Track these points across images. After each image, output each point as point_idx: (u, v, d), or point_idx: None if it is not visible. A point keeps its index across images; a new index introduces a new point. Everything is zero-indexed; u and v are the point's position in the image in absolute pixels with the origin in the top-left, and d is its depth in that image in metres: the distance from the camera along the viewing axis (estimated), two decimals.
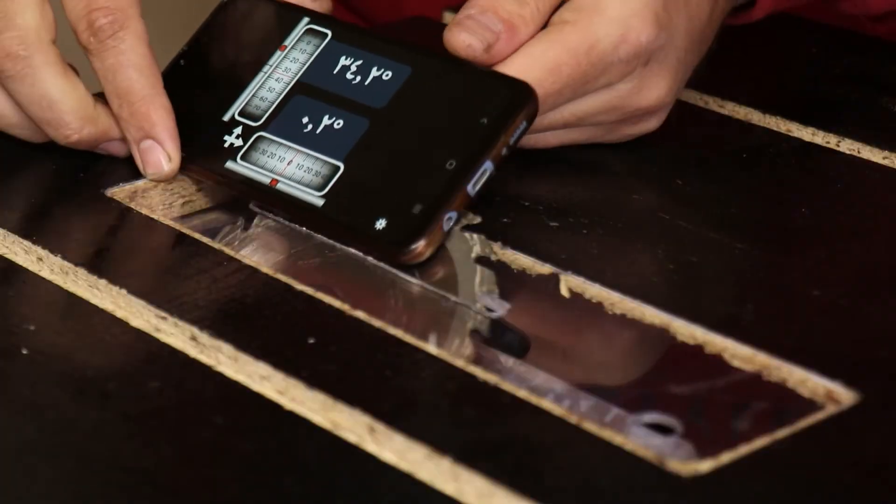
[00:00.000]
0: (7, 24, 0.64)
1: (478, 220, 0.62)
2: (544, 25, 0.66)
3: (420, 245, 0.57)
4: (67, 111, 0.65)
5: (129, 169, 0.69)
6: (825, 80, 0.84)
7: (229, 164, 0.64)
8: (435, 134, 0.63)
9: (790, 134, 0.75)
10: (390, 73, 0.64)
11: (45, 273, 0.59)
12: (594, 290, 0.59)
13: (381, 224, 0.59)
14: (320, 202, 0.61)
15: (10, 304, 0.58)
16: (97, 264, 0.60)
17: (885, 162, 0.71)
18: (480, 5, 0.65)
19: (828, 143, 0.73)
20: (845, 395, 0.51)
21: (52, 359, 0.54)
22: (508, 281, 0.62)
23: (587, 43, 0.64)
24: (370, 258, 0.63)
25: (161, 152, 0.64)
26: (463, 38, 0.65)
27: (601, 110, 0.67)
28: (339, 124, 0.63)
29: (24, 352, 0.53)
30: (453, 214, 0.58)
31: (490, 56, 0.64)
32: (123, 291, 0.57)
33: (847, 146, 0.73)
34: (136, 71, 0.65)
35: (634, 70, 0.65)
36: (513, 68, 0.64)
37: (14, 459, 0.48)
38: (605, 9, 0.64)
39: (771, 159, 0.74)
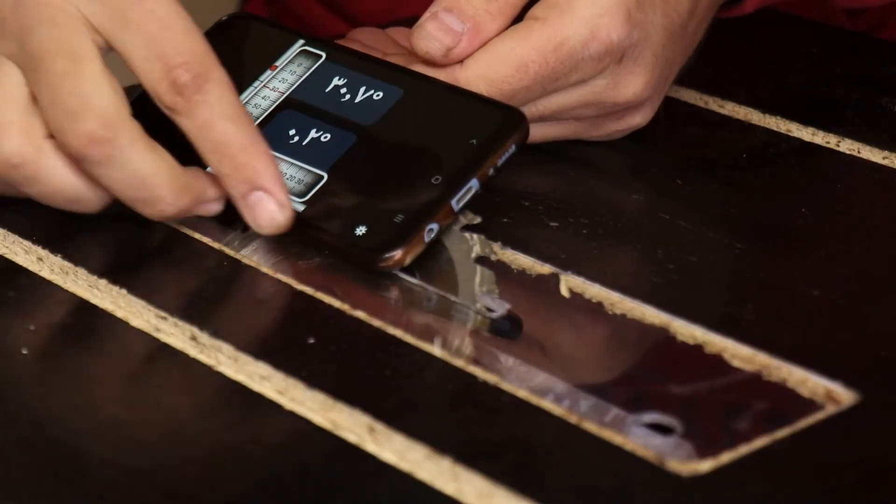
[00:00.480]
0: (83, 105, 0.59)
1: (478, 220, 0.62)
2: (518, 19, 0.66)
3: (398, 253, 0.58)
4: (162, 186, 0.61)
5: None
6: (825, 80, 0.84)
7: (209, 170, 0.63)
8: (423, 151, 0.63)
9: (790, 134, 0.75)
10: (382, 94, 0.65)
11: (45, 273, 0.59)
12: (594, 290, 0.59)
13: (360, 231, 0.59)
14: (301, 208, 0.61)
15: (10, 304, 0.58)
16: (97, 264, 0.60)
17: (885, 162, 0.71)
18: (446, 3, 0.66)
19: (828, 143, 0.73)
20: (845, 395, 0.51)
21: (52, 359, 0.54)
22: (508, 281, 0.61)
23: (555, 41, 0.65)
24: None
25: (272, 202, 0.62)
26: (421, 45, 0.66)
27: (577, 105, 0.67)
28: (325, 138, 0.63)
29: (24, 352, 0.53)
30: (435, 227, 0.59)
31: (448, 59, 0.65)
32: (123, 291, 0.57)
33: (847, 146, 0.73)
34: (230, 122, 0.62)
35: (607, 67, 0.65)
36: (479, 64, 0.65)
37: (13, 459, 0.48)
38: (576, 7, 0.65)
39: (771, 159, 0.74)
